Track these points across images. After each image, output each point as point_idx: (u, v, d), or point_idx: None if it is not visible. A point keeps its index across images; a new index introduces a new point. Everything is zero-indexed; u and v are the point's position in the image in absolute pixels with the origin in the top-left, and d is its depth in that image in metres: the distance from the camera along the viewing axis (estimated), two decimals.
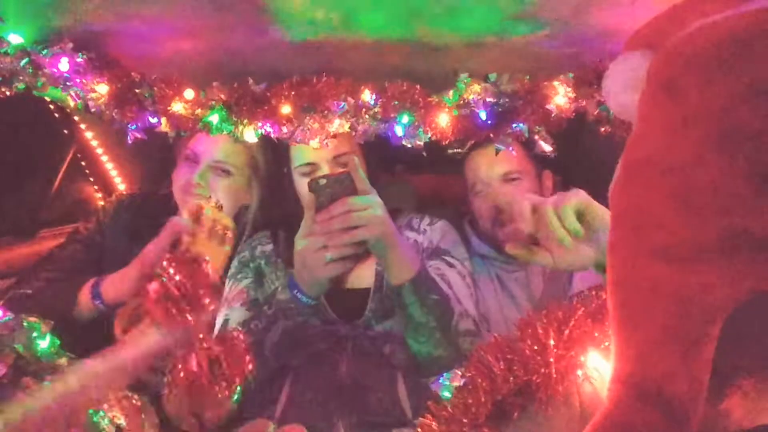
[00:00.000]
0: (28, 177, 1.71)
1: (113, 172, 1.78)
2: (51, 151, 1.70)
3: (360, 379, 1.12)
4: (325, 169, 1.26)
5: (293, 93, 1.20)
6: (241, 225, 1.45)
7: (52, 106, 1.64)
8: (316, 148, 1.24)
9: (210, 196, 1.26)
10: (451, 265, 1.27)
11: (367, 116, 1.20)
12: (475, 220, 1.56)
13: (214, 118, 1.26)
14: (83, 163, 1.75)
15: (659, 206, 0.56)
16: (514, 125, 1.24)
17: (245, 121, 1.25)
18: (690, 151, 0.54)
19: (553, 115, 1.27)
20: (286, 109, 1.22)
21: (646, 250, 0.57)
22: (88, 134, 1.64)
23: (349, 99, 1.20)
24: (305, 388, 1.12)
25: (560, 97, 1.27)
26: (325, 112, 1.20)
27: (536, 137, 1.25)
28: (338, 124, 1.21)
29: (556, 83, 1.27)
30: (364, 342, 1.19)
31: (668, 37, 0.59)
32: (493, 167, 1.43)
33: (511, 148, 1.23)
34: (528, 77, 1.26)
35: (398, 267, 1.09)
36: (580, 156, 1.68)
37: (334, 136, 1.24)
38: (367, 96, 1.21)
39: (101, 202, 1.87)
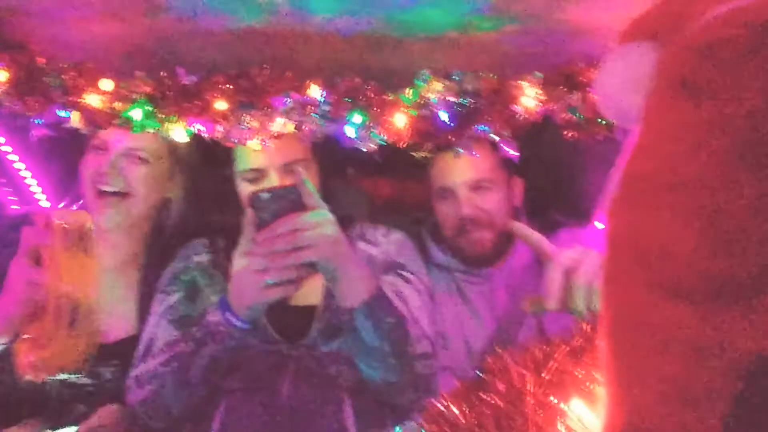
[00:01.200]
0: None
1: (26, 173, 1.56)
2: None
3: (303, 402, 1.05)
4: (273, 178, 1.12)
5: (229, 86, 1.05)
6: (162, 219, 1.31)
7: None
8: (257, 150, 1.08)
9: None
10: (407, 281, 1.15)
11: (314, 115, 1.06)
12: (435, 228, 1.46)
13: (137, 113, 1.09)
14: None
15: (672, 232, 0.45)
16: (477, 127, 1.13)
17: (173, 117, 1.08)
18: (715, 165, 0.42)
19: (519, 116, 1.17)
20: (221, 105, 1.06)
21: (654, 285, 0.46)
22: None
23: (294, 95, 1.05)
24: (241, 415, 1.04)
25: (527, 98, 1.17)
26: (267, 109, 1.05)
27: (499, 141, 1.14)
28: (281, 123, 1.06)
29: (523, 83, 1.17)
30: (308, 362, 1.10)
31: (678, 26, 0.48)
32: (461, 173, 1.31)
33: (475, 153, 1.12)
34: (494, 76, 1.15)
35: (351, 288, 0.98)
36: (540, 160, 1.60)
37: (278, 136, 1.09)
38: (314, 92, 1.07)
39: (16, 207, 1.64)
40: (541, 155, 1.47)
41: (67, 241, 0.93)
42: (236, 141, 1.07)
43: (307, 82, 1.08)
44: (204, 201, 1.31)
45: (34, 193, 1.61)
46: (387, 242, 1.23)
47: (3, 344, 1.00)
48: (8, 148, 1.49)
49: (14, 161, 1.53)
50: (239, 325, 0.98)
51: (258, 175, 1.14)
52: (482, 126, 1.14)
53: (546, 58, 1.21)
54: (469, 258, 1.35)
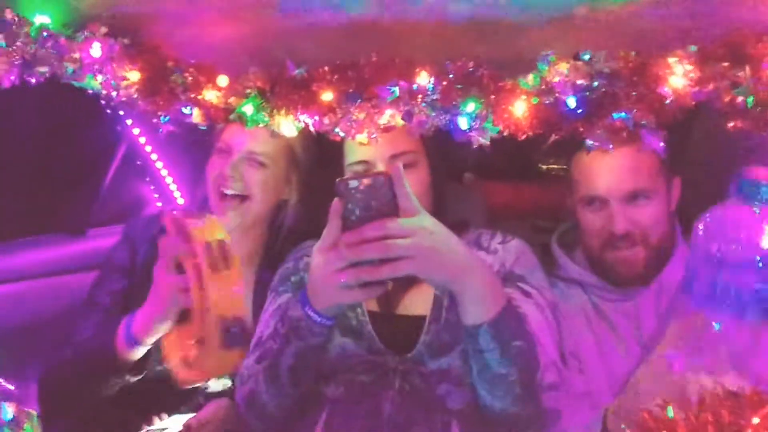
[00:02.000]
0: (80, 173, 1.66)
1: (164, 172, 1.69)
2: (102, 148, 1.64)
3: (407, 421, 0.98)
4: (380, 170, 1.05)
5: (336, 77, 1.01)
6: (279, 221, 1.34)
7: (102, 101, 1.57)
8: (364, 143, 1.03)
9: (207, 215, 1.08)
10: (527, 294, 1.02)
11: (423, 104, 0.98)
12: (566, 237, 1.32)
13: (248, 108, 1.10)
14: (138, 162, 1.67)
15: None
16: (614, 115, 0.97)
17: (282, 111, 1.07)
18: None
19: (667, 101, 0.98)
20: (327, 96, 1.03)
21: None
22: (135, 131, 1.55)
23: (403, 84, 0.98)
24: (343, 425, 0.99)
25: (677, 77, 0.98)
26: (373, 100, 0.99)
27: (644, 132, 0.96)
28: (389, 115, 1.00)
29: (671, 60, 0.98)
30: (414, 379, 1.03)
31: None
32: (618, 183, 1.13)
33: (610, 146, 0.96)
34: (634, 53, 0.98)
35: (474, 304, 0.86)
36: (690, 156, 1.35)
37: (387, 129, 1.02)
38: (423, 79, 0.99)
39: (159, 203, 1.79)
40: (698, 147, 1.24)
41: (211, 259, 0.93)
42: (343, 134, 1.03)
43: (416, 69, 1.00)
44: (318, 201, 1.30)
45: (172, 191, 1.74)
46: (504, 250, 1.11)
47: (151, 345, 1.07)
48: (149, 148, 1.62)
49: (154, 160, 1.66)
50: (319, 320, 0.91)
51: (366, 167, 1.09)
52: (620, 113, 0.98)
53: (700, 30, 1.00)
54: (616, 277, 1.19)
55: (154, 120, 1.23)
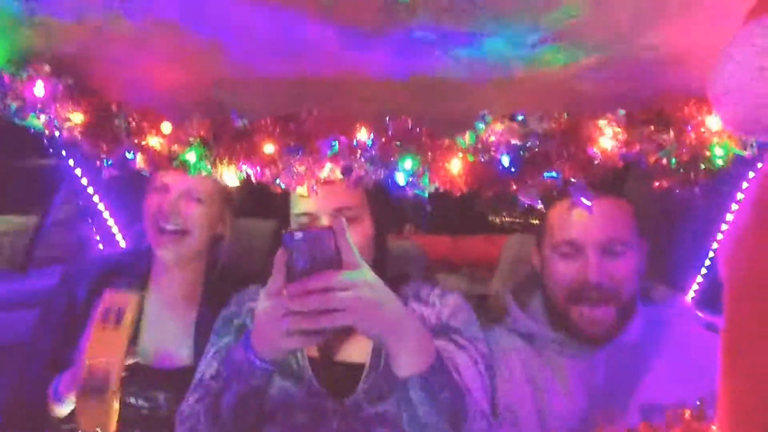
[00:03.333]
0: (21, 211, 1.62)
1: (106, 213, 1.65)
2: (43, 186, 1.61)
3: None
4: (324, 223, 1.07)
5: (278, 129, 1.02)
6: (215, 256, 1.38)
7: (45, 140, 1.54)
8: (304, 196, 1.04)
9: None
10: (460, 347, 1.04)
11: (362, 159, 1.00)
12: (520, 290, 1.29)
13: (191, 156, 1.10)
14: (80, 202, 1.63)
15: None
16: (545, 174, 1.00)
17: (225, 160, 1.07)
18: None
19: (596, 161, 1.02)
20: (269, 148, 1.04)
21: None
22: (78, 171, 1.52)
23: (343, 138, 1.00)
24: None
25: (606, 139, 1.02)
26: (314, 153, 1.01)
27: (573, 190, 1.00)
28: (329, 169, 1.01)
29: (601, 122, 1.02)
30: (353, 423, 1.05)
31: None
32: (595, 229, 1.11)
33: (590, 203, 0.98)
34: (566, 115, 1.02)
35: (404, 356, 0.89)
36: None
37: (327, 182, 1.04)
38: (363, 135, 1.01)
39: (100, 245, 1.75)
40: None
41: (104, 318, 0.99)
42: (284, 186, 1.04)
43: (357, 124, 1.01)
44: (262, 246, 1.31)
45: (114, 233, 1.70)
46: (441, 303, 1.13)
47: None
48: (91, 189, 1.59)
49: (96, 201, 1.63)
50: (260, 365, 0.94)
51: (309, 219, 1.10)
52: (551, 172, 1.01)
53: (630, 94, 1.05)
54: (576, 333, 1.15)
55: (97, 163, 1.22)
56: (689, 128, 1.04)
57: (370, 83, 1.03)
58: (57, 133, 1.20)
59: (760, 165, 1.12)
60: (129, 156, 1.17)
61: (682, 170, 1.04)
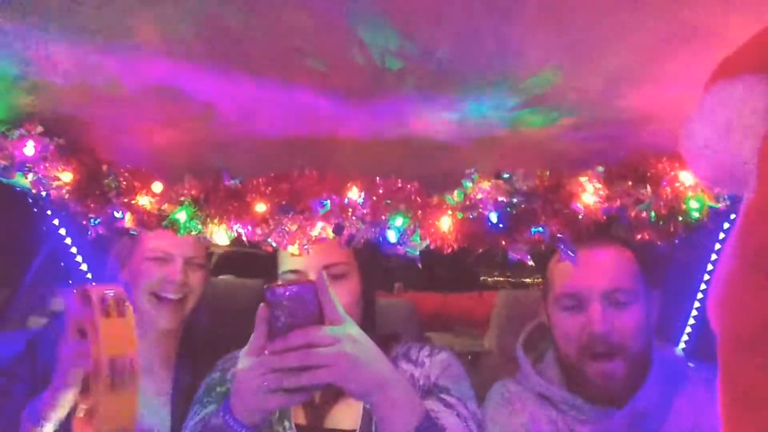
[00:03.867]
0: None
1: (88, 275, 1.62)
2: (26, 246, 1.58)
3: None
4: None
5: (270, 189, 1.03)
6: (195, 321, 1.34)
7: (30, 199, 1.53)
8: (295, 254, 1.05)
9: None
10: (449, 406, 1.03)
11: (354, 217, 1.01)
12: (531, 346, 1.22)
13: (182, 216, 1.11)
14: (61, 264, 1.60)
15: None
16: (532, 230, 1.03)
17: (215, 220, 1.08)
18: None
19: (580, 216, 1.05)
20: (260, 207, 1.05)
21: None
22: (62, 231, 1.51)
23: (334, 197, 1.02)
24: None
25: (588, 195, 1.06)
26: (306, 212, 1.02)
27: (560, 245, 1.03)
28: (321, 227, 1.02)
29: (582, 179, 1.07)
30: None
31: None
32: (599, 278, 1.07)
33: (573, 257, 1.00)
34: (548, 172, 1.06)
35: (392, 417, 0.87)
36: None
37: (318, 241, 1.05)
38: (354, 194, 1.03)
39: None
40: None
41: (105, 307, 0.93)
42: (275, 245, 1.04)
43: (348, 184, 1.04)
44: (247, 307, 1.30)
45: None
46: (431, 362, 1.12)
47: (60, 419, 1.00)
48: (74, 249, 1.56)
49: (79, 262, 1.60)
50: (239, 429, 0.89)
51: (299, 277, 1.09)
52: (537, 227, 1.04)
53: (607, 152, 1.10)
54: (591, 391, 1.08)
55: (84, 222, 1.21)
56: (665, 183, 1.09)
57: (361, 143, 1.07)
58: (44, 193, 1.20)
59: (733, 216, 1.17)
60: (117, 215, 1.17)
61: (661, 223, 1.08)
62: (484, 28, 0.74)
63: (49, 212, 1.44)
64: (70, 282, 1.58)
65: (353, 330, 0.86)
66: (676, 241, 1.10)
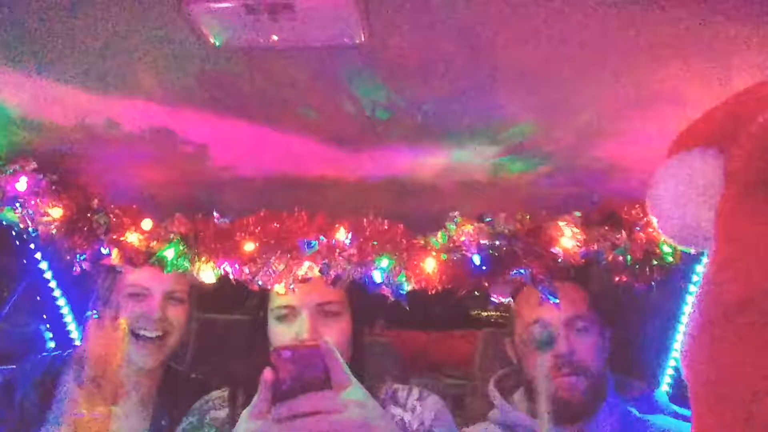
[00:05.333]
0: None
1: (65, 309, 1.59)
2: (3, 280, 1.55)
3: None
4: (304, 318, 1.06)
5: (258, 229, 1.05)
6: (178, 360, 1.34)
7: (14, 231, 1.51)
8: (281, 294, 1.06)
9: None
10: None
11: (340, 258, 1.04)
12: (503, 383, 1.31)
13: (170, 253, 1.12)
14: (38, 298, 1.57)
15: None
16: (513, 271, 1.06)
17: (204, 258, 1.09)
18: None
19: (559, 259, 1.09)
20: (249, 247, 1.07)
21: None
22: (43, 265, 1.49)
23: (321, 238, 1.04)
24: None
25: (567, 239, 1.10)
26: (293, 251, 1.04)
27: (541, 287, 1.06)
28: (308, 267, 1.04)
29: (561, 223, 1.11)
30: None
31: (737, 130, 0.45)
32: (562, 309, 1.18)
33: (555, 300, 1.06)
34: (528, 216, 1.10)
35: None
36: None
37: (304, 280, 1.06)
38: (342, 234, 1.05)
39: (51, 343, 1.67)
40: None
41: None
42: (262, 283, 1.06)
43: (336, 225, 1.07)
44: (227, 348, 1.28)
45: (69, 331, 1.63)
46: (422, 407, 1.11)
47: None
48: (53, 283, 1.55)
49: (57, 297, 1.58)
50: None
51: (289, 312, 1.08)
52: (519, 269, 1.08)
53: (583, 198, 1.15)
54: (558, 404, 1.15)
55: (68, 257, 1.21)
56: (638, 228, 1.14)
57: (349, 186, 1.10)
58: (31, 228, 1.20)
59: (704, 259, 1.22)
60: (104, 251, 1.17)
61: (637, 266, 1.12)
62: (467, 86, 0.79)
63: (32, 246, 1.43)
64: (45, 317, 1.55)
65: (359, 393, 0.85)
66: (653, 283, 1.15)
